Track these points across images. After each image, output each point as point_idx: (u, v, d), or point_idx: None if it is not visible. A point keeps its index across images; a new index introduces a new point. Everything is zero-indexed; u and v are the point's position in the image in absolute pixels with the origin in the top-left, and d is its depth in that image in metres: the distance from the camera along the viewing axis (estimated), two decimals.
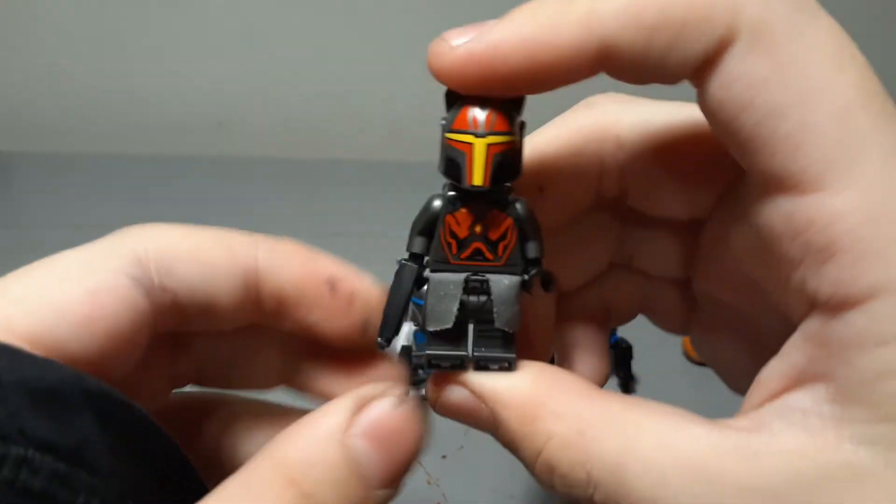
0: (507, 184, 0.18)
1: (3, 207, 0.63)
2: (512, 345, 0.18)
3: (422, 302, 0.41)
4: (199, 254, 0.19)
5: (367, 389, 0.18)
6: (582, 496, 0.16)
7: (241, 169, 0.70)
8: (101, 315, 0.17)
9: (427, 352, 0.18)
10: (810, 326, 0.15)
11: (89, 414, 0.16)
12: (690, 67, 0.15)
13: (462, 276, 0.18)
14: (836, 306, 0.14)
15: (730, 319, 0.21)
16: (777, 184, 0.15)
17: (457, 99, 0.17)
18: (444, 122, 0.17)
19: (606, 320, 0.24)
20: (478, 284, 0.18)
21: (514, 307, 0.18)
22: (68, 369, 0.16)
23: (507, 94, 0.17)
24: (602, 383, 0.23)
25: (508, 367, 0.18)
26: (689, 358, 0.44)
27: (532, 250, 0.18)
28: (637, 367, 0.42)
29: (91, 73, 0.73)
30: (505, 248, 0.18)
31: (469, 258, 0.18)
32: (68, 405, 0.15)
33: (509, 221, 0.18)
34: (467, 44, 0.17)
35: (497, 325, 0.18)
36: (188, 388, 0.22)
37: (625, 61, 0.16)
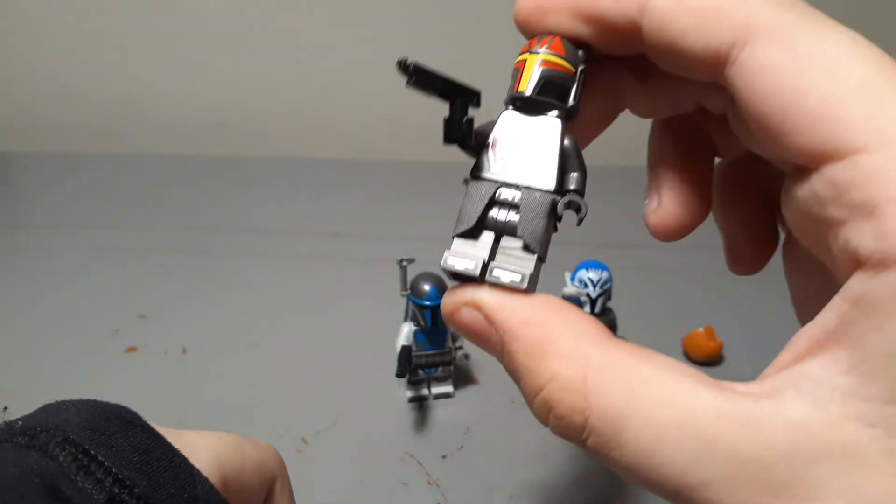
0: (558, 104, 0.19)
1: (3, 207, 0.63)
2: (530, 263, 0.18)
3: (421, 301, 0.41)
4: (246, 470, 0.24)
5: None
6: (574, 439, 0.16)
7: (241, 169, 0.70)
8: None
9: (447, 260, 0.18)
10: (850, 287, 0.15)
11: None
12: (713, 54, 0.17)
13: (497, 181, 0.19)
14: (877, 263, 0.14)
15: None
16: (815, 156, 0.16)
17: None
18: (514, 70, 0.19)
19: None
20: (510, 198, 0.19)
21: (541, 221, 0.18)
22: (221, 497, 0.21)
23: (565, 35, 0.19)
24: (691, 224, 0.22)
25: (521, 282, 0.18)
26: (689, 358, 0.44)
27: (572, 181, 0.19)
28: None
29: (91, 73, 0.73)
30: (541, 167, 0.19)
31: (507, 163, 0.19)
32: None
33: (551, 147, 0.19)
34: None
35: (519, 233, 0.18)
36: None
37: (656, 29, 0.17)
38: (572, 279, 0.39)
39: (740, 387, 0.16)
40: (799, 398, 0.15)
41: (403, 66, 0.17)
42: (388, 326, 0.41)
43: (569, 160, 0.19)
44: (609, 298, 0.39)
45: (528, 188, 0.19)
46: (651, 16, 0.18)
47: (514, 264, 0.18)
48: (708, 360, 0.43)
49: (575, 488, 0.34)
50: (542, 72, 0.19)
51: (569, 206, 0.19)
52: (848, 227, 0.15)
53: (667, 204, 0.22)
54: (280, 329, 0.45)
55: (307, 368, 0.42)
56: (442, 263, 0.18)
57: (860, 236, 0.15)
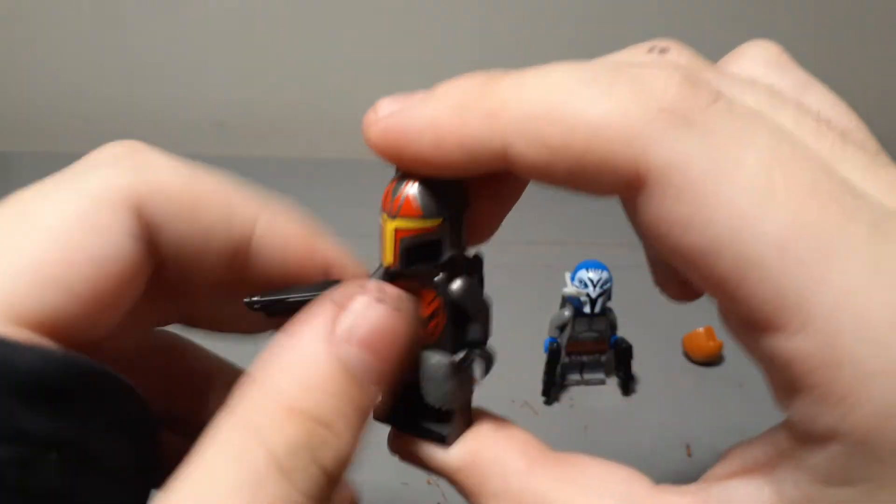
0: (430, 267, 0.17)
1: None
2: (447, 420, 0.18)
3: None
4: (196, 210, 0.18)
5: (339, 292, 0.16)
6: None
7: (241, 169, 0.70)
8: (107, 289, 0.16)
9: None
10: (782, 434, 0.15)
11: (86, 402, 0.15)
12: (603, 195, 0.15)
13: None
14: (802, 437, 0.14)
15: None
16: (736, 317, 0.14)
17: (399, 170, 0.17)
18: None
19: None
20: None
21: (445, 385, 0.18)
22: (59, 354, 0.15)
23: (426, 173, 0.16)
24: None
25: (442, 441, 0.18)
26: (689, 358, 0.44)
27: (472, 331, 0.18)
28: (637, 367, 0.42)
29: (91, 74, 0.73)
30: (436, 325, 0.17)
31: None
32: (64, 396, 0.15)
33: (438, 301, 0.17)
34: (386, 118, 0.16)
35: (426, 400, 0.18)
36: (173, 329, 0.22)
37: (527, 171, 0.15)
38: (572, 279, 0.39)
39: (673, 496, 0.16)
40: None
41: (251, 306, 0.17)
42: None
43: (463, 306, 0.17)
44: (609, 298, 0.39)
45: (421, 355, 0.18)
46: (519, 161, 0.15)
47: (432, 422, 0.18)
48: (708, 360, 0.43)
49: None
50: (401, 243, 0.17)
51: (465, 363, 0.18)
52: (778, 394, 0.15)
53: (669, 289, 0.21)
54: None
55: None
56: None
57: (790, 409, 0.14)
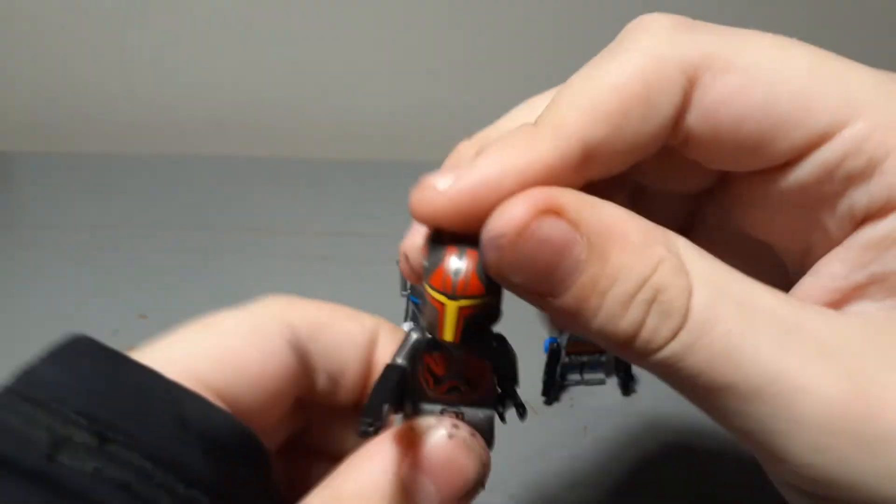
0: (486, 339, 0.18)
1: (3, 207, 0.63)
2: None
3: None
4: (338, 323, 0.21)
5: (416, 423, 0.18)
6: (663, 336, 0.15)
7: (241, 169, 0.70)
8: (270, 375, 0.19)
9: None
10: (851, 241, 0.16)
11: (249, 467, 0.18)
12: (667, 121, 0.17)
13: (438, 408, 0.19)
14: (878, 213, 0.16)
15: None
16: (801, 150, 0.16)
17: (439, 240, 0.17)
18: (426, 264, 0.17)
19: None
20: (453, 415, 0.19)
21: (491, 434, 0.19)
22: (238, 422, 0.18)
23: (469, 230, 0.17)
24: None
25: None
26: None
27: (508, 385, 0.19)
28: (637, 366, 0.42)
29: (91, 73, 0.73)
30: (481, 386, 0.19)
31: (446, 393, 0.19)
32: (234, 457, 0.18)
33: (487, 367, 0.19)
34: (456, 183, 0.16)
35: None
36: None
37: (607, 154, 0.16)
38: None
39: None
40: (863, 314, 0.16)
41: (367, 434, 0.17)
42: None
43: (503, 365, 0.19)
44: None
45: (468, 411, 0.19)
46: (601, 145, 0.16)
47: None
48: None
49: (575, 488, 0.34)
50: (465, 322, 0.17)
51: (502, 413, 0.19)
52: (849, 195, 0.16)
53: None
54: None
55: None
56: None
57: (865, 197, 0.16)
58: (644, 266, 0.15)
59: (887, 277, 0.16)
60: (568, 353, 0.40)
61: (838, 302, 0.17)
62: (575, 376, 0.42)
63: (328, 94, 0.75)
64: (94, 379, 0.17)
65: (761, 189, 0.18)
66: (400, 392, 0.18)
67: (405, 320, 0.39)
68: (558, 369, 0.40)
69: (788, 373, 0.14)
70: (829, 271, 0.17)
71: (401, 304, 0.38)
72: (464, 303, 0.17)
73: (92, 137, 0.76)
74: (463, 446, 0.18)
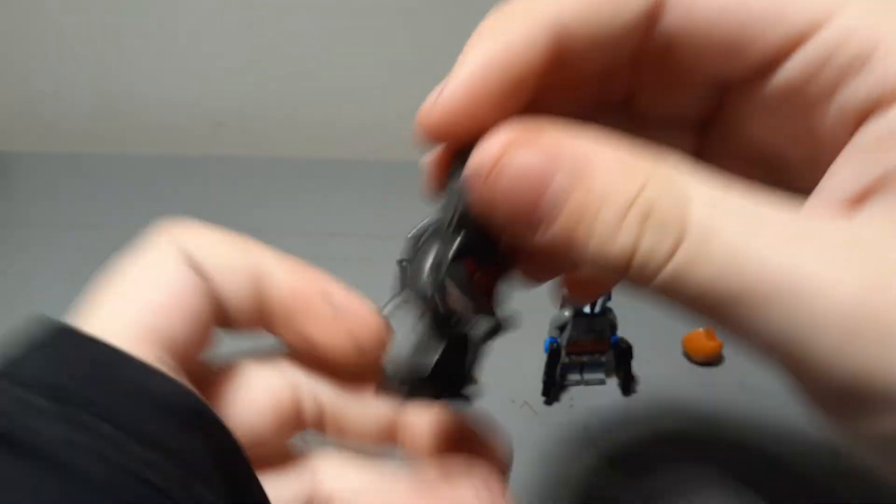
0: None
1: (3, 207, 0.63)
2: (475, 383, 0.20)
3: None
4: (220, 251, 0.20)
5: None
6: (662, 252, 0.14)
7: (241, 169, 0.70)
8: (196, 308, 0.19)
9: None
10: (854, 142, 0.15)
11: (200, 432, 0.17)
12: (640, 12, 0.17)
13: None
14: (878, 106, 0.15)
15: None
16: (782, 48, 0.16)
17: (459, 161, 0.17)
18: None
19: None
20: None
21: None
22: (186, 388, 0.17)
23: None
24: None
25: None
26: (689, 358, 0.44)
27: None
28: (637, 367, 0.42)
29: (91, 73, 0.73)
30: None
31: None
32: (185, 422, 0.17)
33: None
34: (443, 92, 0.17)
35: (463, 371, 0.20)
36: None
37: (581, 43, 0.17)
38: None
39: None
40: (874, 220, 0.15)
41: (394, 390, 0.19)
42: None
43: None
44: (609, 298, 0.39)
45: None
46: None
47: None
48: (708, 360, 0.43)
49: (575, 488, 0.34)
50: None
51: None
52: (843, 88, 0.16)
53: (574, 290, 0.25)
54: None
55: None
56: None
57: (860, 89, 0.15)
58: (632, 183, 0.14)
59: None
60: (568, 353, 0.40)
61: (850, 208, 0.15)
62: (575, 376, 0.42)
63: (328, 95, 0.75)
64: (56, 355, 0.17)
65: (757, 98, 0.18)
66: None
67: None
68: (558, 369, 0.40)
69: (801, 273, 0.13)
70: (838, 179, 0.16)
71: None
72: None
73: (92, 137, 0.76)
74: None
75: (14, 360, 0.17)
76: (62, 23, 0.71)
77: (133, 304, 0.18)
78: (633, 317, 0.42)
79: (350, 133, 0.76)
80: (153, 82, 0.74)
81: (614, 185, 0.14)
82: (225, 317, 0.20)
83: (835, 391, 0.14)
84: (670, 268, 0.14)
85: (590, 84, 0.20)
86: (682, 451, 0.37)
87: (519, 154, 0.15)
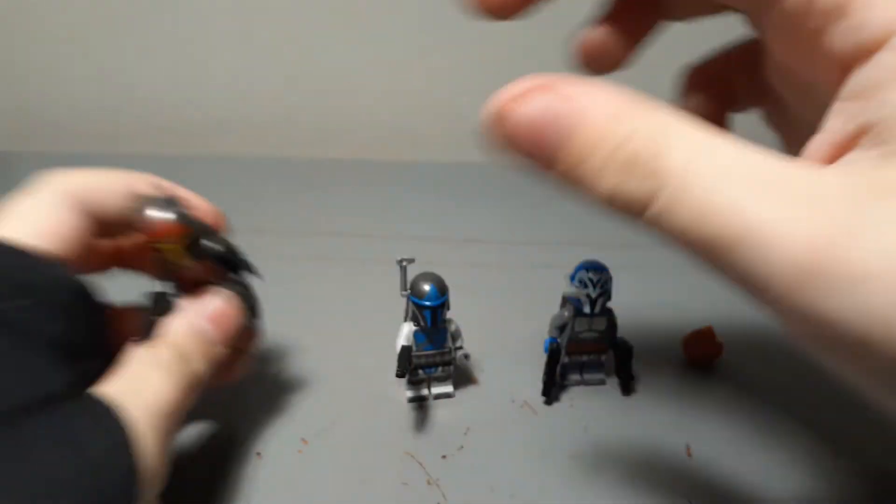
0: None
1: None
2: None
3: (421, 301, 0.41)
4: (105, 183, 0.31)
5: (211, 296, 0.32)
6: (641, 197, 0.16)
7: (241, 169, 0.71)
8: (72, 234, 0.29)
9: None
10: (843, 91, 0.16)
11: (81, 300, 0.27)
12: None
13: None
14: (860, 55, 0.15)
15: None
16: None
17: None
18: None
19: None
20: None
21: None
22: (70, 271, 0.27)
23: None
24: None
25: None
26: (689, 358, 0.44)
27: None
28: (637, 367, 0.42)
29: (91, 73, 0.73)
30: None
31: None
32: (76, 308, 0.26)
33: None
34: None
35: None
36: None
37: None
38: (572, 279, 0.39)
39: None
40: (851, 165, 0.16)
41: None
42: (388, 326, 0.41)
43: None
44: (609, 298, 0.39)
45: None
46: None
47: None
48: (708, 360, 0.43)
49: (575, 488, 0.34)
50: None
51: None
52: (829, 35, 0.16)
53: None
54: (279, 329, 0.45)
55: (307, 368, 0.42)
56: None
57: (840, 38, 0.16)
58: (619, 133, 0.16)
59: (873, 126, 0.15)
60: (568, 353, 0.40)
61: (833, 156, 0.17)
62: (575, 376, 0.42)
63: (328, 95, 0.75)
64: None
65: (772, 27, 0.19)
66: None
67: (405, 320, 0.39)
68: (558, 369, 0.40)
69: (761, 221, 0.15)
70: (830, 125, 0.17)
71: (401, 304, 0.38)
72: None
73: (92, 137, 0.76)
74: (233, 307, 0.33)
75: None
76: (62, 23, 0.71)
77: (18, 222, 0.28)
78: (633, 317, 0.42)
79: (350, 133, 0.76)
80: (153, 82, 0.74)
81: (603, 133, 0.16)
82: (105, 226, 0.30)
83: (798, 332, 0.16)
84: (654, 209, 0.16)
85: None
86: (682, 451, 0.37)
87: (534, 95, 0.17)
